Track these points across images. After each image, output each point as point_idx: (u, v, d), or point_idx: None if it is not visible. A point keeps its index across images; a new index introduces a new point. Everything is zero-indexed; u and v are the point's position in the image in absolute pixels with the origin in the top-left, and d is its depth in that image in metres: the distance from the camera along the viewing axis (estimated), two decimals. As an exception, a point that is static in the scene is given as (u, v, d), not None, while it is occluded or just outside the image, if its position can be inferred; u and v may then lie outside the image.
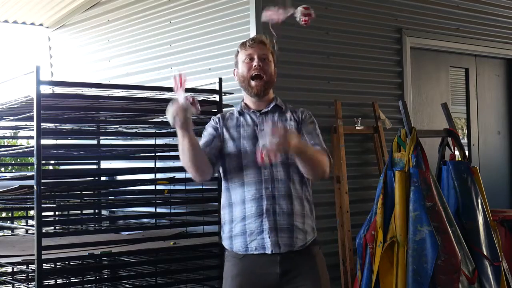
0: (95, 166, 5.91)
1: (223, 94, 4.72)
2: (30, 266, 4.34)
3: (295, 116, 3.09)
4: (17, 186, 4.18)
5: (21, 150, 4.79)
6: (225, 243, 3.04)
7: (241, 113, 3.09)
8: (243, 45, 3.10)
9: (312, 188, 5.10)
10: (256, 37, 3.14)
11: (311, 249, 3.02)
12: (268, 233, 2.90)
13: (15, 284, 4.87)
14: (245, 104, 3.11)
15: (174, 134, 5.33)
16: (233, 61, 3.15)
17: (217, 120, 3.10)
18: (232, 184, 3.00)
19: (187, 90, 4.80)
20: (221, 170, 3.07)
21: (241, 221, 2.96)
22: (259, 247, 2.92)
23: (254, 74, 3.01)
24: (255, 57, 3.02)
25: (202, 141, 3.05)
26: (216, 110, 4.75)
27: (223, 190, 3.07)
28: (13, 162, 7.80)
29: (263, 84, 3.02)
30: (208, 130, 3.09)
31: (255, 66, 3.01)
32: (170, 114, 2.83)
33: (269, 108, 3.07)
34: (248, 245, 2.94)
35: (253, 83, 3.02)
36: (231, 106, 4.90)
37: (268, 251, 2.91)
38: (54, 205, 5.08)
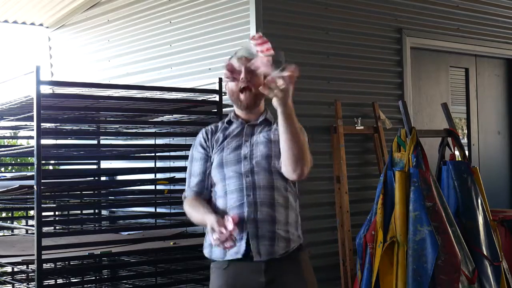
0: (95, 166, 5.91)
1: (223, 94, 4.72)
2: (30, 266, 4.34)
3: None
4: (17, 186, 4.18)
5: (21, 150, 4.79)
6: (205, 251, 2.98)
7: (229, 122, 3.04)
8: (231, 59, 3.03)
9: (313, 188, 5.15)
10: (244, 50, 3.05)
11: (296, 254, 2.92)
12: (249, 240, 2.82)
13: (15, 284, 4.87)
14: (235, 114, 3.06)
15: (174, 134, 5.38)
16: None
17: (206, 138, 3.03)
18: (215, 193, 2.96)
19: (186, 90, 4.82)
20: None
21: None
22: (238, 253, 2.84)
23: (242, 86, 2.93)
24: (242, 68, 2.94)
25: (195, 168, 2.99)
26: (216, 110, 4.75)
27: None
28: (13, 162, 7.81)
29: (252, 96, 2.94)
30: (199, 155, 3.02)
31: (242, 78, 2.92)
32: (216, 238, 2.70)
33: (258, 122, 3.00)
34: (227, 251, 2.86)
35: (241, 96, 2.95)
36: (231, 106, 4.88)
37: (250, 258, 2.83)
38: (54, 205, 5.08)
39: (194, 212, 2.94)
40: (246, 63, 2.95)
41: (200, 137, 3.06)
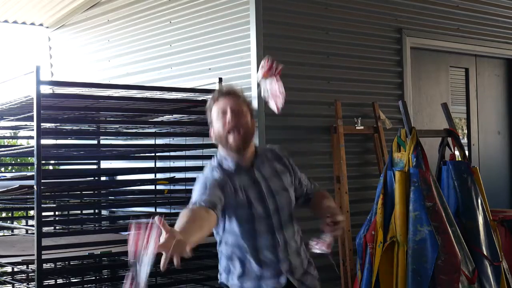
0: (95, 166, 5.91)
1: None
2: (30, 266, 4.34)
3: (284, 163, 3.01)
4: (17, 186, 4.18)
5: (21, 150, 4.80)
6: (234, 282, 2.92)
7: (236, 169, 2.88)
8: (213, 98, 2.89)
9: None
10: (226, 88, 2.92)
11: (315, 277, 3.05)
12: (288, 275, 2.89)
13: (15, 284, 4.87)
14: (234, 160, 2.88)
15: (174, 134, 5.39)
16: (208, 119, 2.91)
17: (220, 174, 2.84)
18: (242, 239, 2.87)
19: (186, 90, 4.82)
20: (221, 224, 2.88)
21: (256, 275, 2.88)
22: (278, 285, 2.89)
23: (229, 129, 2.81)
24: (228, 110, 2.82)
25: (210, 190, 2.75)
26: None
27: (229, 236, 2.89)
28: (13, 162, 7.80)
29: (242, 137, 2.82)
30: (215, 182, 2.80)
31: (229, 120, 2.81)
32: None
33: (262, 163, 2.93)
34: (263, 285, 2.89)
35: (230, 138, 2.82)
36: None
37: None
38: (54, 205, 5.08)
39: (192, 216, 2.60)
40: (231, 104, 2.84)
41: (215, 174, 2.86)
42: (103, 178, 5.79)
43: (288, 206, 2.93)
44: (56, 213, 5.75)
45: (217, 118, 2.85)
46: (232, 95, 2.88)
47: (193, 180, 4.88)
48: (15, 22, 7.05)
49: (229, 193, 2.81)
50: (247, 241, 2.85)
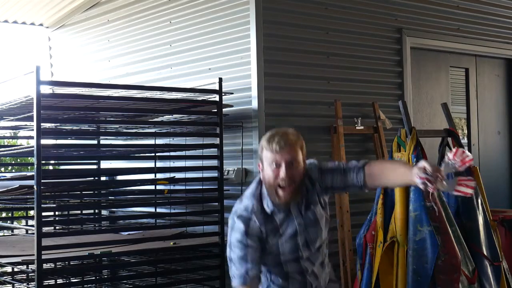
0: (95, 166, 5.91)
1: (223, 94, 4.72)
2: (30, 266, 4.34)
3: (316, 189, 2.94)
4: (17, 186, 4.18)
5: (21, 150, 4.80)
6: None
7: (275, 211, 2.90)
8: (269, 146, 2.81)
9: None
10: (283, 140, 2.81)
11: None
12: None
13: (15, 284, 4.87)
14: (274, 202, 2.89)
15: (174, 134, 5.39)
16: (258, 153, 2.92)
17: (260, 231, 2.87)
18: (272, 274, 3.02)
19: (186, 90, 4.82)
20: None
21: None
22: None
23: (281, 184, 2.81)
24: (282, 164, 2.79)
25: (251, 255, 2.84)
26: (216, 110, 4.75)
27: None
28: (13, 162, 7.80)
29: (291, 191, 2.83)
30: (254, 244, 2.87)
31: (282, 177, 2.79)
32: None
33: (301, 200, 2.92)
34: None
35: (280, 192, 2.82)
36: (231, 106, 4.90)
37: None
38: (54, 205, 5.08)
39: None
40: (286, 157, 2.81)
41: (254, 228, 2.88)
42: (103, 178, 5.79)
43: (319, 238, 2.98)
44: (56, 213, 5.75)
45: (269, 165, 2.83)
46: (287, 147, 2.81)
47: (193, 180, 4.94)
48: (15, 22, 7.05)
49: (265, 236, 2.87)
50: (274, 270, 2.99)
